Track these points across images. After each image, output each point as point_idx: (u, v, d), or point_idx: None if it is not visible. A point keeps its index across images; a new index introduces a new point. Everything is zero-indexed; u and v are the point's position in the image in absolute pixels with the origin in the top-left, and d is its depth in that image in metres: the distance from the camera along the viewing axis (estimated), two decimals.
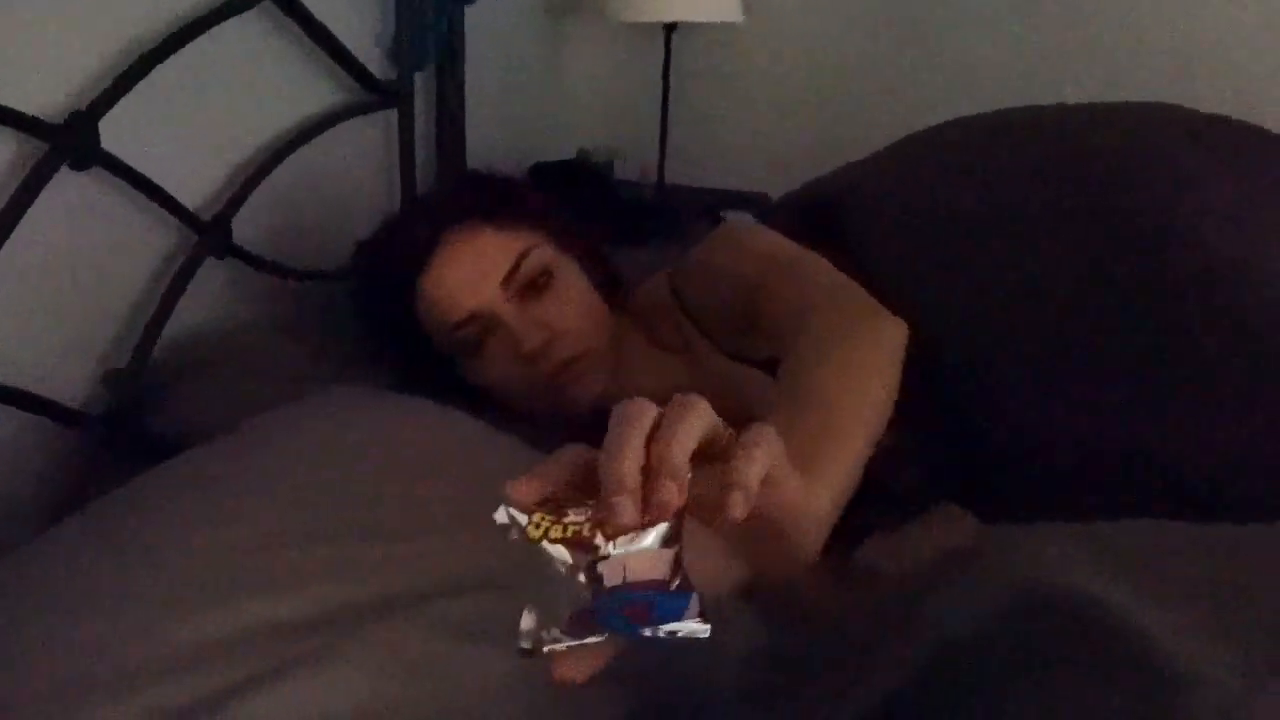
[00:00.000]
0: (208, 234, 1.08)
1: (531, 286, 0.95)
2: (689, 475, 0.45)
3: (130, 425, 0.96)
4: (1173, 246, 0.85)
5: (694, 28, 1.97)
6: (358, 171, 1.42)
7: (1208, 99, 0.99)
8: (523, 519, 0.43)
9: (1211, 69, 1.68)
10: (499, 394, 0.97)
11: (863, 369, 0.77)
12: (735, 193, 1.97)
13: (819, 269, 0.92)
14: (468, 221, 0.96)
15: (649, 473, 0.44)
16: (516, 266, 0.95)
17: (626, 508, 0.43)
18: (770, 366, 0.90)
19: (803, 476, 0.57)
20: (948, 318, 0.91)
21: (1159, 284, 0.85)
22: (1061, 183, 0.92)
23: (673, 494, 0.43)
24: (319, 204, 1.31)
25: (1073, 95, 1.08)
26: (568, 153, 2.01)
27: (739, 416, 0.56)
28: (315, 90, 1.28)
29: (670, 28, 1.92)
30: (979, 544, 0.65)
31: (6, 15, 0.83)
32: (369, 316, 1.02)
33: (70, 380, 0.95)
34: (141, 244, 1.02)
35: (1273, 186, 0.88)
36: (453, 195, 1.04)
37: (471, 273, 0.94)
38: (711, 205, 1.92)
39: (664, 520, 0.43)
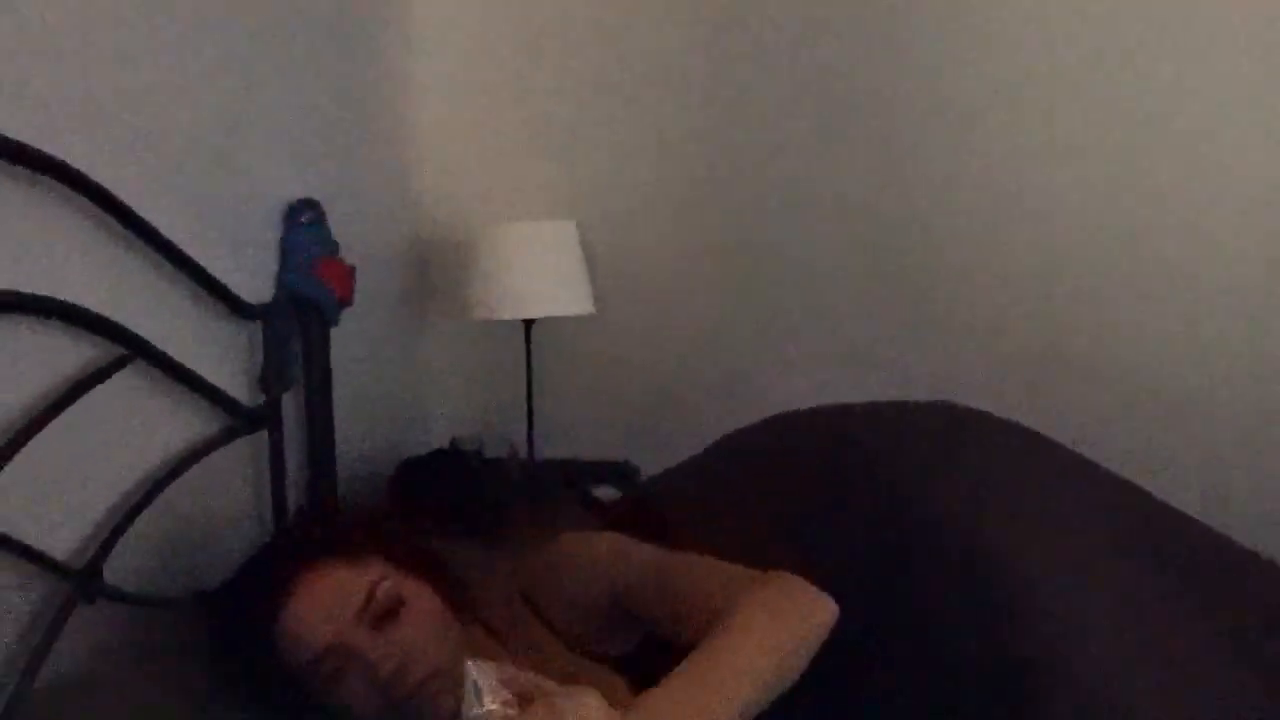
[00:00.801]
0: (77, 580, 1.14)
1: (385, 615, 1.03)
2: None
3: None
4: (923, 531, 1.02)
5: (551, 320, 2.16)
6: (232, 493, 1.51)
7: None
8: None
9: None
10: None
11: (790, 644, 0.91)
12: (604, 462, 2.10)
13: (713, 562, 1.04)
14: (320, 560, 1.04)
15: None
16: (369, 598, 1.02)
17: None
18: (617, 662, 1.02)
19: None
20: None
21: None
22: (836, 488, 1.09)
23: None
24: (194, 530, 1.39)
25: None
26: (442, 443, 2.13)
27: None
28: (188, 424, 1.39)
29: (529, 323, 2.11)
30: None
31: None
32: (227, 659, 1.08)
33: None
34: (18, 596, 1.08)
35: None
36: (302, 536, 1.14)
37: (328, 608, 1.01)
38: (580, 475, 2.05)
39: None
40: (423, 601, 1.07)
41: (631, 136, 2.16)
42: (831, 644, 0.93)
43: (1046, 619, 0.96)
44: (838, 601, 0.96)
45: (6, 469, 1.02)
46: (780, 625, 0.91)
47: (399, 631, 1.03)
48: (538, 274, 2.06)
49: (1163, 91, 1.86)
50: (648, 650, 1.06)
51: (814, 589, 0.96)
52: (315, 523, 1.31)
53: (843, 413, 1.26)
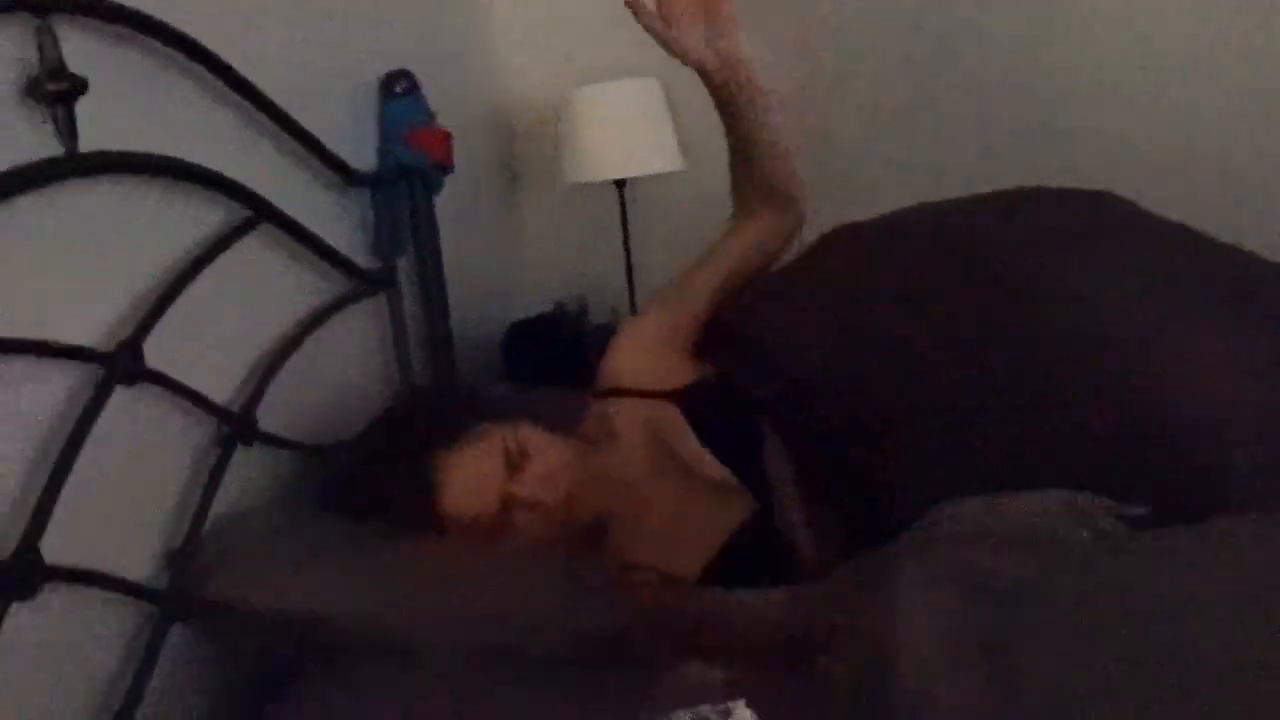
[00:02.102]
0: (236, 425, 1.24)
1: (520, 463, 1.20)
2: None
3: (188, 597, 1.11)
4: (1048, 309, 1.04)
5: (642, 179, 2.19)
6: (360, 352, 1.60)
7: None
8: None
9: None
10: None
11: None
12: None
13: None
14: (445, 453, 1.19)
15: None
16: (505, 458, 1.19)
17: None
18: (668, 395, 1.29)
19: None
20: (850, 397, 1.09)
21: (1038, 343, 1.03)
22: (945, 258, 1.12)
23: None
24: (329, 386, 1.49)
25: None
26: (545, 306, 2.20)
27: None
28: (314, 285, 1.47)
29: (620, 183, 2.14)
30: None
31: (56, 267, 1.02)
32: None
33: (140, 561, 1.11)
34: (183, 440, 1.19)
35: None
36: (423, 431, 1.25)
37: (479, 484, 1.17)
38: None
39: None
40: (540, 442, 1.23)
41: None
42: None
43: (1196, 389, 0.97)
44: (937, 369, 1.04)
45: (166, 323, 1.11)
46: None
47: (534, 467, 1.20)
48: (626, 133, 2.09)
49: None
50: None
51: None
52: (424, 415, 1.41)
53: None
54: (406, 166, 1.68)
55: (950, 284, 1.13)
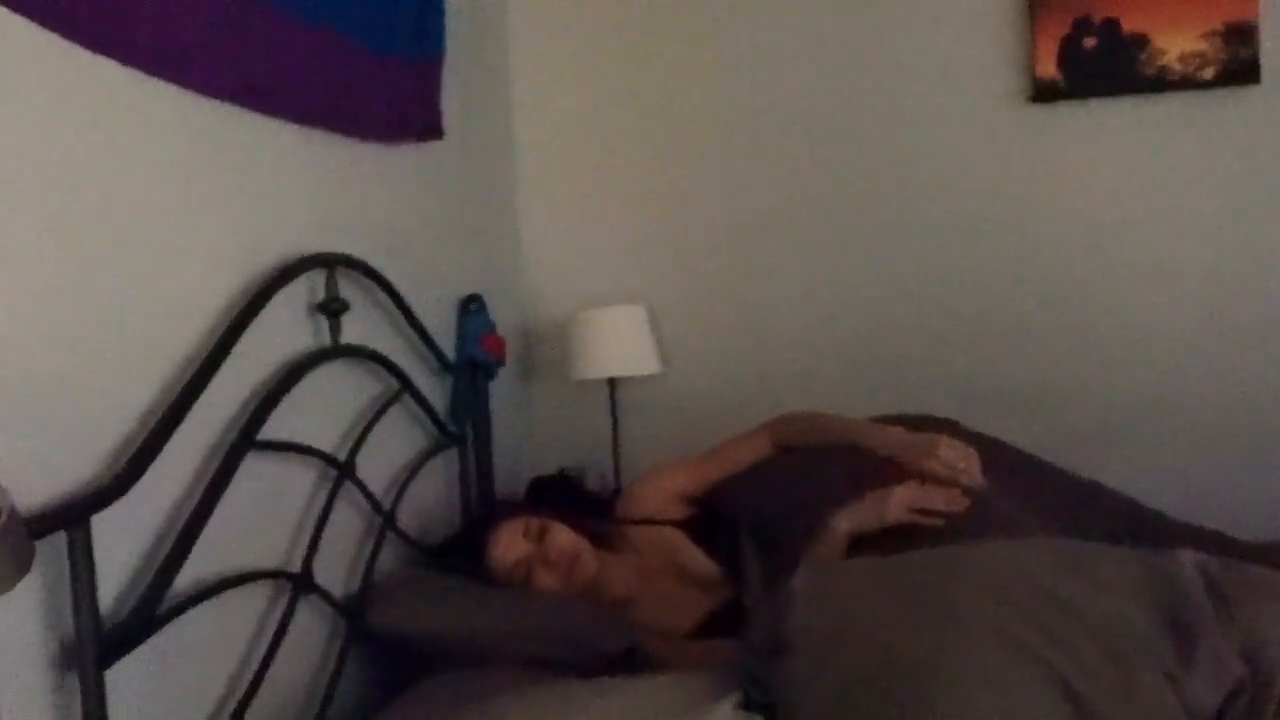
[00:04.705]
0: (383, 522, 1.92)
1: (538, 536, 1.91)
2: None
3: (363, 619, 1.76)
4: None
5: (629, 379, 2.94)
6: (441, 488, 2.30)
7: None
8: None
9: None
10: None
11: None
12: None
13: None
14: (494, 525, 1.94)
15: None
16: (525, 529, 1.91)
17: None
18: (674, 524, 2.00)
19: None
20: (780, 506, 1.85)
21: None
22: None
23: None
24: (425, 507, 2.17)
25: None
26: (552, 470, 2.89)
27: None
28: (423, 438, 2.18)
29: (612, 381, 2.90)
30: None
31: (313, 417, 1.73)
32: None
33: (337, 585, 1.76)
34: (358, 533, 1.87)
35: None
36: (489, 516, 2.04)
37: (507, 544, 1.90)
38: None
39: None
40: (556, 526, 1.94)
41: (690, 236, 2.94)
42: None
43: None
44: None
45: (366, 448, 1.82)
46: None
47: (550, 540, 1.90)
48: (618, 344, 2.85)
49: None
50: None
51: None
52: (488, 508, 2.14)
53: None
54: (477, 361, 2.41)
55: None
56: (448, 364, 2.29)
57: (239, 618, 1.50)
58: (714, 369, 2.97)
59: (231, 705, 1.43)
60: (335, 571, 1.76)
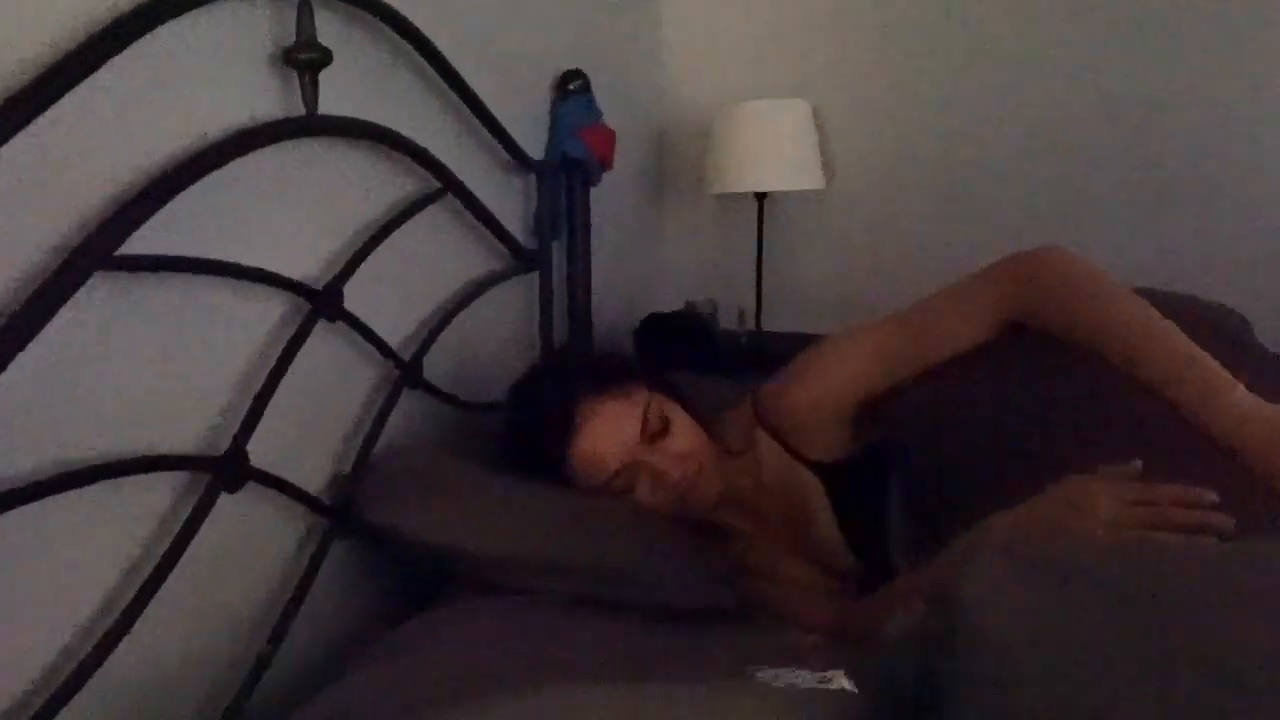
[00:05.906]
0: (406, 370, 1.39)
1: (658, 433, 1.27)
2: None
3: (352, 516, 1.25)
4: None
5: (782, 194, 2.29)
6: (510, 323, 1.74)
7: None
8: None
9: None
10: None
11: None
12: (823, 337, 2.23)
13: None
14: (594, 396, 1.26)
15: None
16: (645, 422, 1.26)
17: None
18: (818, 468, 1.26)
19: None
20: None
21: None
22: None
23: None
24: (483, 348, 1.63)
25: None
26: (677, 304, 2.32)
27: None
28: (482, 257, 1.62)
29: (761, 196, 2.25)
30: None
31: (283, 211, 1.17)
32: (523, 471, 1.29)
33: (316, 477, 1.26)
34: (363, 377, 1.34)
35: None
36: (571, 372, 1.35)
37: (613, 437, 1.25)
38: (801, 348, 2.20)
39: None
40: (681, 416, 1.31)
41: (865, 20, 2.23)
42: None
43: None
44: None
45: (363, 271, 1.27)
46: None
47: (671, 443, 1.27)
48: (772, 149, 2.19)
49: None
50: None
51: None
52: (578, 360, 1.52)
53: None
54: (573, 159, 1.81)
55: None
56: (526, 160, 1.69)
57: (140, 506, 1.02)
58: (890, 189, 2.30)
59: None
60: (294, 454, 1.24)
